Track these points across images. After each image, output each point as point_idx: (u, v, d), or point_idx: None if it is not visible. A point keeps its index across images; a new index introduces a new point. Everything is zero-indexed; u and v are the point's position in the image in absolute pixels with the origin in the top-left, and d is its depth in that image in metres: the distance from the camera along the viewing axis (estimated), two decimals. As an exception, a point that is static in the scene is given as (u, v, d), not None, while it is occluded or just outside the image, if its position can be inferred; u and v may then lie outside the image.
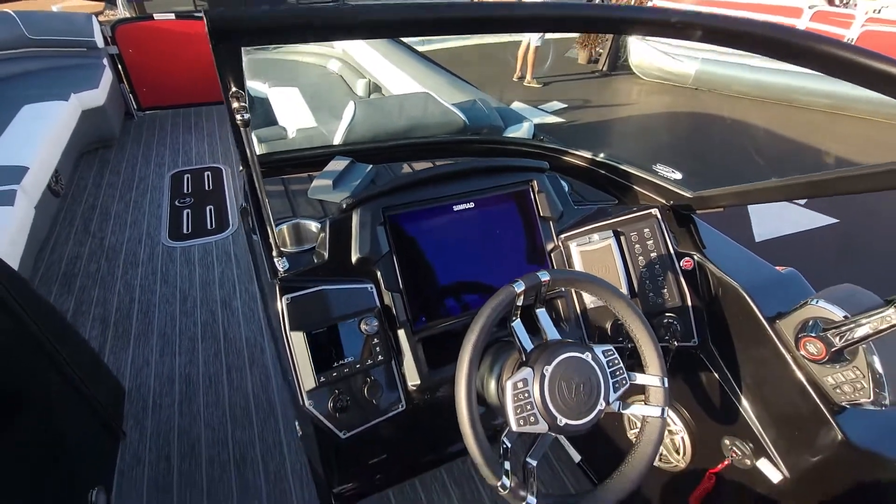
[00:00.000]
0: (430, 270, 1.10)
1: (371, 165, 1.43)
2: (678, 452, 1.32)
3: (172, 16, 4.20)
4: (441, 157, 1.61)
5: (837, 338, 0.92)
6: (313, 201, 1.32)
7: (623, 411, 0.91)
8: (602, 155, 1.51)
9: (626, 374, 0.90)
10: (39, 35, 3.89)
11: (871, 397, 0.93)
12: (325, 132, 1.99)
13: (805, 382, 1.00)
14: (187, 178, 3.52)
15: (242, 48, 0.84)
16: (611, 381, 0.88)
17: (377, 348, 1.01)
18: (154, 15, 4.19)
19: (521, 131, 2.04)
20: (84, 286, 2.53)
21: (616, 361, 0.90)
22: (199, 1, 6.62)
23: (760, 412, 1.11)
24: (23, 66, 3.84)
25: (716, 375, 1.19)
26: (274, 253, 1.04)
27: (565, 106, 6.76)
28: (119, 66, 4.20)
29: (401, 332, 1.04)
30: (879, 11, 7.24)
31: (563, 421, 0.82)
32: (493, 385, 0.96)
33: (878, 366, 0.92)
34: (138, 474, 1.73)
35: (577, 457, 1.81)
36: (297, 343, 0.94)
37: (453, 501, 1.69)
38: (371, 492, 1.69)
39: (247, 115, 0.83)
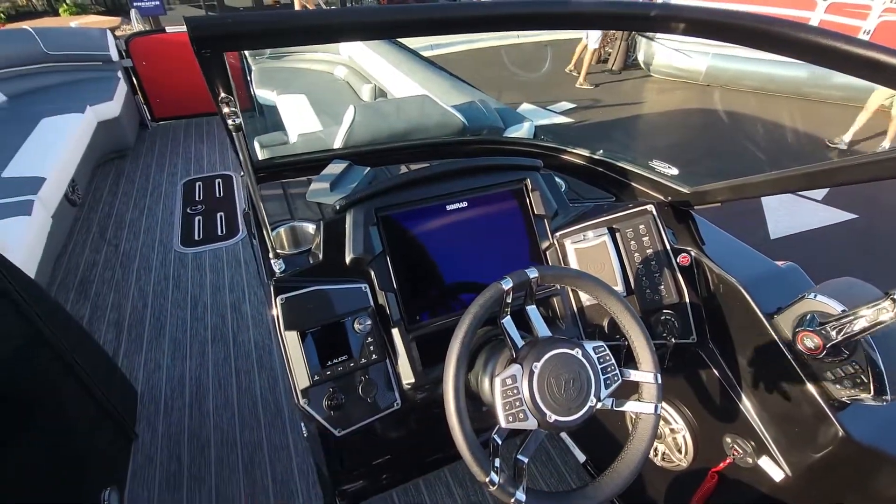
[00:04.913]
0: (425, 270, 1.11)
1: (369, 168, 1.45)
2: (680, 451, 1.30)
3: (184, 28, 4.30)
4: (439, 159, 1.62)
5: (835, 332, 0.90)
6: (312, 204, 1.34)
7: (616, 408, 0.90)
8: (600, 152, 1.51)
9: (617, 371, 0.89)
10: (56, 50, 4.02)
11: (872, 392, 0.91)
12: (324, 136, 2.03)
13: (804, 378, 0.98)
14: (199, 186, 3.60)
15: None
16: (602, 377, 0.87)
17: (371, 347, 1.02)
18: (166, 28, 4.30)
19: (522, 131, 2.04)
20: (100, 292, 2.60)
21: (607, 358, 0.89)
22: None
23: (760, 410, 1.09)
24: (41, 81, 3.98)
25: (715, 372, 1.17)
26: (270, 255, 1.06)
27: (574, 106, 6.73)
28: (133, 79, 4.32)
29: (395, 331, 1.05)
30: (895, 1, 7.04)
31: (552, 417, 0.82)
32: (487, 383, 0.97)
33: (877, 360, 0.90)
34: (150, 474, 1.77)
35: (581, 457, 1.80)
36: (292, 342, 0.96)
37: (457, 503, 1.69)
38: (375, 492, 1.69)
39: (238, 120, 0.85)
